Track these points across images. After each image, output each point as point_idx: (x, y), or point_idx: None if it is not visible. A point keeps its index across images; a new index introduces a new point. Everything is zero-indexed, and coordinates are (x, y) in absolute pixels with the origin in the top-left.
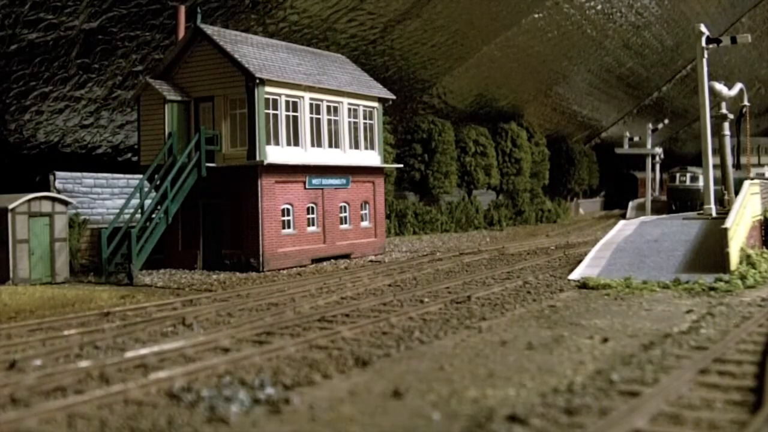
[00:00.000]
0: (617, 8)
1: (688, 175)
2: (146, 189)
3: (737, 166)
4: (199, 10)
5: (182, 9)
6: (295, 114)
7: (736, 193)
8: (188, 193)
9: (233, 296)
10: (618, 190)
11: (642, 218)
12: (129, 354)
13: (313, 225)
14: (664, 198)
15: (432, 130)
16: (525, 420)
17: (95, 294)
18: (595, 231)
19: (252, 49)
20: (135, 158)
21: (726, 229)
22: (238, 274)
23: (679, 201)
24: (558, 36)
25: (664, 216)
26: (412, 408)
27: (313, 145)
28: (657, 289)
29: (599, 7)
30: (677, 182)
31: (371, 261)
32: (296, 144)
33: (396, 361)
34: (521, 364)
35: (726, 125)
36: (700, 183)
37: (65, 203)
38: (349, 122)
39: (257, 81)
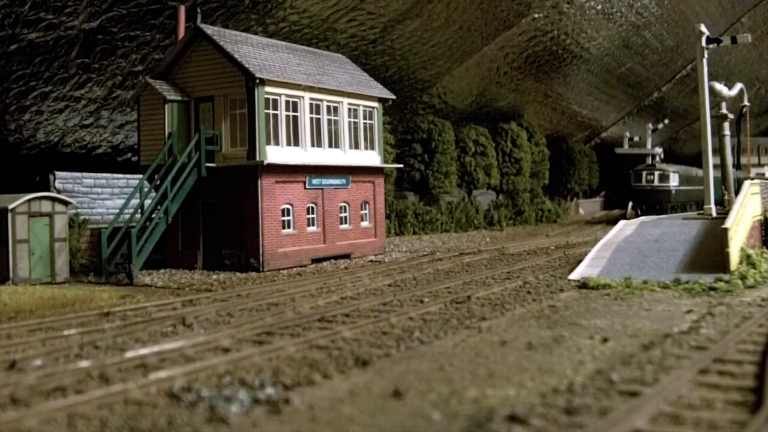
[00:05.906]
0: (617, 8)
1: (657, 173)
2: (146, 189)
3: (737, 166)
4: (199, 10)
5: (182, 9)
6: (295, 114)
7: (736, 193)
8: (188, 193)
9: (233, 296)
10: (618, 190)
11: (642, 218)
12: (129, 354)
13: (313, 225)
14: None
15: (432, 130)
16: (525, 420)
17: (95, 294)
18: (595, 231)
19: (252, 49)
20: (135, 158)
21: (726, 229)
22: (238, 274)
23: (645, 204)
24: (558, 36)
25: (664, 216)
26: (412, 408)
27: (313, 145)
28: (657, 289)
29: (599, 7)
30: (643, 182)
31: (371, 261)
32: (296, 144)
33: (396, 361)
34: (521, 364)
35: (726, 125)
36: (671, 183)
37: (65, 203)
38: (349, 122)
39: (257, 81)
